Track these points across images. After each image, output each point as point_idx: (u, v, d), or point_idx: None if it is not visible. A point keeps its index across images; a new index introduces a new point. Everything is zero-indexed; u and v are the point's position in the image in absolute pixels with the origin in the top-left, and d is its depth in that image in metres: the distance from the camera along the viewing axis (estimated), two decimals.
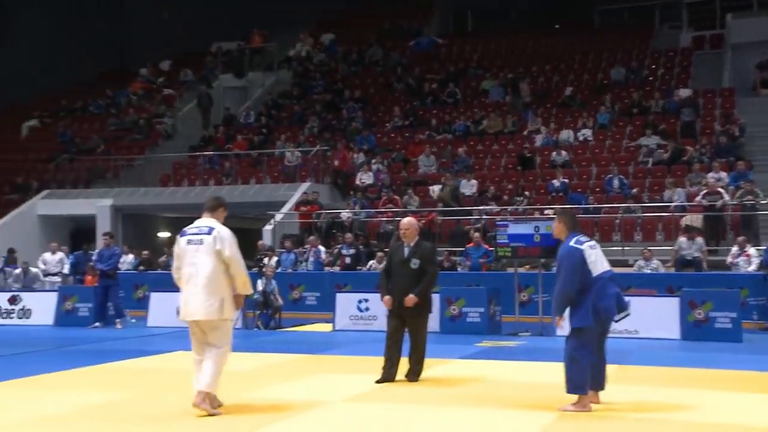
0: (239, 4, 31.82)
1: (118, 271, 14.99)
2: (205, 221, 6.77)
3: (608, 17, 30.41)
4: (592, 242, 6.73)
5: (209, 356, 6.56)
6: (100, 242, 15.72)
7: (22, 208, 23.33)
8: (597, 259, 6.58)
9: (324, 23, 32.51)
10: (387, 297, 8.02)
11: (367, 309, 13.33)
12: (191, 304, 6.57)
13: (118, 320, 14.40)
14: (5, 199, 24.52)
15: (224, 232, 6.65)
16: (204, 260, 6.55)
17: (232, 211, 7.21)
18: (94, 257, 15.26)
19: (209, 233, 6.62)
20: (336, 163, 21.42)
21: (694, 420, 6.40)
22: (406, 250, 8.08)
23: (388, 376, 7.98)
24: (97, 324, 14.30)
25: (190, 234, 6.71)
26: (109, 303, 14.54)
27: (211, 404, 6.52)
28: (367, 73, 27.92)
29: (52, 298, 15.25)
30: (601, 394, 6.76)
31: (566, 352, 6.62)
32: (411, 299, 7.87)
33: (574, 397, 6.60)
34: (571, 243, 6.59)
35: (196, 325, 6.61)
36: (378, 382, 7.94)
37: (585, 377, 6.54)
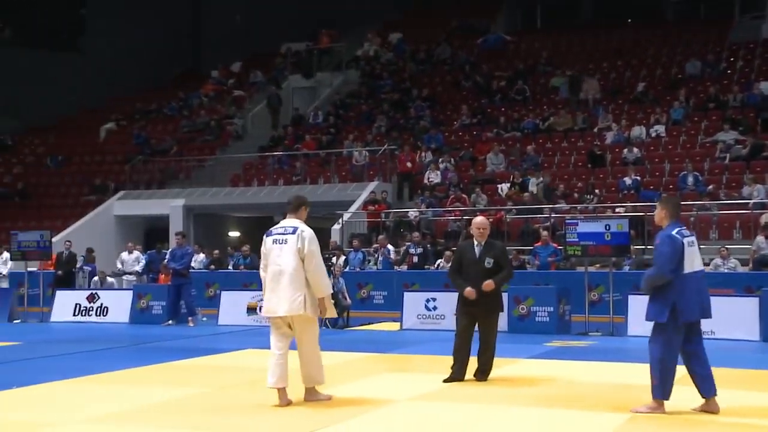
0: (308, 4, 32.15)
1: (190, 270, 15.28)
2: (290, 221, 6.98)
3: (682, 10, 29.60)
4: (692, 238, 6.46)
5: (304, 354, 6.84)
6: (173, 242, 16.06)
7: (100, 209, 24.05)
8: (691, 257, 6.34)
9: (392, 22, 32.55)
10: (469, 288, 7.86)
11: (435, 308, 13.28)
12: (276, 300, 6.79)
13: (190, 318, 14.69)
14: (84, 200, 25.33)
15: (307, 232, 6.84)
16: (288, 259, 6.77)
17: (286, 210, 7.33)
18: (167, 256, 15.60)
19: (293, 233, 6.82)
20: (408, 164, 21.18)
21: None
22: (477, 250, 8.02)
23: (457, 375, 7.94)
24: (170, 322, 14.61)
25: (276, 234, 6.94)
26: (182, 301, 14.84)
27: (313, 396, 6.90)
28: (435, 71, 27.84)
29: (128, 296, 15.67)
30: (682, 397, 6.48)
31: (650, 353, 6.40)
32: (489, 284, 7.79)
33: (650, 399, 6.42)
34: (673, 233, 6.32)
35: (282, 320, 6.82)
36: (446, 381, 7.90)
37: (667, 379, 6.30)
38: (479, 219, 8.33)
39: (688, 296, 6.28)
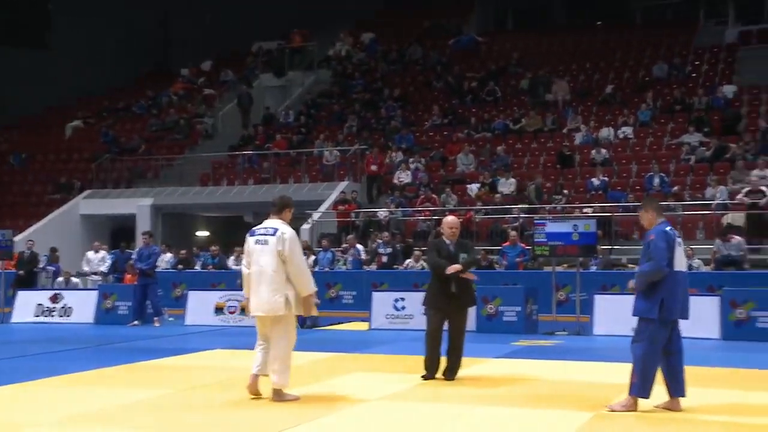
0: (279, 3, 32.00)
1: (156, 270, 15.16)
2: (272, 222, 7.09)
3: (650, 14, 29.97)
4: (680, 239, 6.56)
5: (272, 354, 6.92)
6: (140, 241, 15.91)
7: (65, 208, 23.76)
8: (679, 256, 6.41)
9: (363, 22, 32.55)
10: (452, 266, 7.96)
11: (403, 308, 13.30)
12: (257, 301, 6.97)
13: (156, 318, 14.57)
14: (49, 199, 24.99)
15: (288, 234, 6.96)
16: (268, 260, 6.90)
17: (270, 210, 7.35)
18: (133, 256, 15.45)
19: (274, 234, 6.93)
20: (374, 168, 21.01)
21: (734, 420, 6.27)
22: (451, 247, 8.18)
23: (435, 371, 8.10)
24: (135, 322, 14.48)
25: (258, 234, 7.07)
26: (148, 301, 14.71)
27: (280, 398, 6.91)
28: (407, 71, 27.88)
29: (93, 296, 15.48)
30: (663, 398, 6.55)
31: (633, 351, 6.42)
32: (455, 267, 7.92)
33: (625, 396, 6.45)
34: (666, 229, 6.38)
35: (260, 320, 7.01)
36: (425, 378, 8.06)
37: (647, 378, 6.32)
38: (451, 218, 8.45)
39: (675, 294, 6.33)
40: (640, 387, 6.35)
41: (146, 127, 27.82)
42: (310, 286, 6.98)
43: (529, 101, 23.65)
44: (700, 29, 27.21)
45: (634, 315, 6.47)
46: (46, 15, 32.34)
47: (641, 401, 6.42)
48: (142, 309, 14.71)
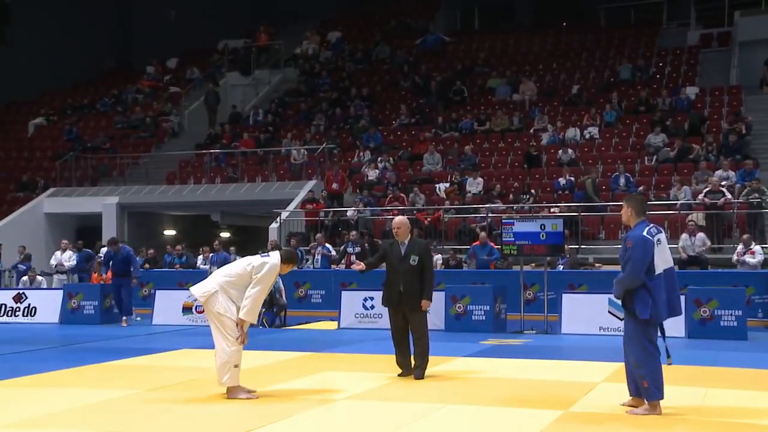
0: (244, 1, 31.81)
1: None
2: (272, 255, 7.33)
3: (614, 15, 30.29)
4: (661, 235, 6.49)
5: (218, 352, 7.08)
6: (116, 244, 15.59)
7: (28, 206, 23.39)
8: (661, 255, 6.37)
9: (330, 21, 32.49)
10: (357, 263, 8.70)
11: (372, 307, 13.29)
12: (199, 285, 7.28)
13: (124, 318, 14.39)
14: (11, 197, 24.60)
15: (269, 261, 7.13)
16: (237, 268, 7.21)
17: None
18: (103, 259, 15.12)
19: (263, 257, 7.24)
20: (335, 186, 20.03)
21: (699, 418, 6.37)
22: (403, 248, 8.25)
23: (407, 369, 8.19)
24: (125, 318, 14.33)
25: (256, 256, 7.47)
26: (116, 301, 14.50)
27: (233, 394, 7.05)
28: (374, 71, 27.89)
29: (58, 296, 15.27)
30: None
31: (633, 356, 6.34)
32: (426, 304, 8.15)
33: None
34: (644, 233, 6.31)
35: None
36: (401, 375, 8.17)
37: (657, 378, 6.26)
38: (396, 219, 8.58)
39: (659, 297, 6.30)
40: (655, 390, 6.28)
41: (111, 124, 27.50)
42: (252, 317, 7.10)
43: (469, 99, 23.71)
44: (662, 31, 27.61)
45: (640, 317, 6.26)
46: (5, 9, 31.67)
47: (605, 401, 6.48)
48: (119, 307, 14.52)
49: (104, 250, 15.22)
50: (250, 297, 6.99)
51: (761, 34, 23.80)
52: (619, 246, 6.88)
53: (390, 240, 8.74)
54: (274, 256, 7.23)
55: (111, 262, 14.56)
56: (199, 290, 7.18)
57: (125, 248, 14.85)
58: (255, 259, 7.22)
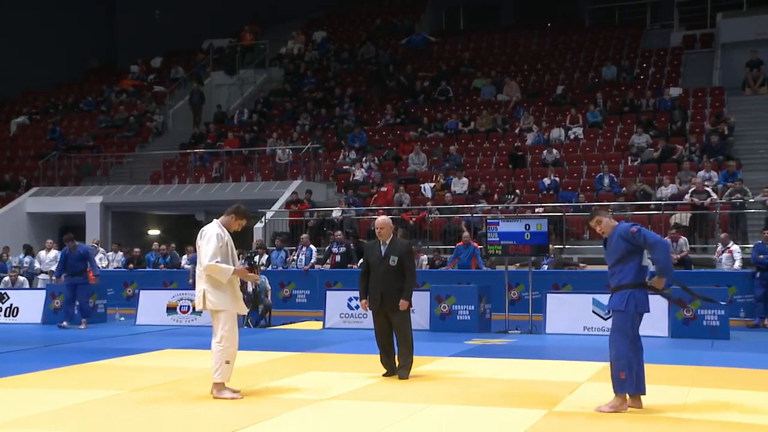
0: (229, 1, 31.71)
1: (105, 269, 14.75)
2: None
3: (598, 16, 30.45)
4: None
5: (212, 348, 7.11)
6: (90, 241, 15.52)
7: (11, 206, 23.23)
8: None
9: (315, 21, 32.45)
10: (363, 301, 8.34)
11: (357, 307, 13.27)
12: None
13: (83, 320, 13.92)
14: None
15: (206, 230, 7.22)
16: (200, 255, 7.31)
17: (223, 209, 7.42)
18: (60, 258, 14.72)
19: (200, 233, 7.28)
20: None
21: (683, 417, 6.40)
22: (383, 248, 8.28)
23: (391, 369, 8.21)
24: (65, 323, 13.85)
25: None
26: (76, 302, 14.06)
27: (218, 392, 7.03)
28: (359, 70, 27.88)
29: (40, 296, 15.15)
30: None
31: (615, 349, 6.39)
32: (404, 304, 8.13)
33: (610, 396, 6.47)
34: (631, 226, 6.43)
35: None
36: (386, 375, 8.20)
37: (633, 371, 6.31)
38: (378, 219, 8.56)
39: (643, 288, 6.40)
40: (632, 383, 6.34)
41: (95, 123, 27.33)
42: (226, 274, 7.04)
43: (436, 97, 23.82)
44: (646, 32, 27.77)
45: (607, 308, 6.47)
46: None
47: (585, 399, 6.50)
48: (72, 309, 14.07)
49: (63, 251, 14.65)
50: (204, 254, 7.06)
51: (743, 36, 24.00)
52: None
53: (373, 240, 8.76)
54: (212, 226, 7.28)
55: (67, 260, 14.12)
56: (196, 299, 7.25)
57: (83, 246, 14.54)
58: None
